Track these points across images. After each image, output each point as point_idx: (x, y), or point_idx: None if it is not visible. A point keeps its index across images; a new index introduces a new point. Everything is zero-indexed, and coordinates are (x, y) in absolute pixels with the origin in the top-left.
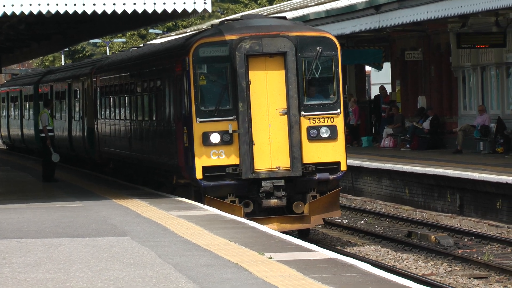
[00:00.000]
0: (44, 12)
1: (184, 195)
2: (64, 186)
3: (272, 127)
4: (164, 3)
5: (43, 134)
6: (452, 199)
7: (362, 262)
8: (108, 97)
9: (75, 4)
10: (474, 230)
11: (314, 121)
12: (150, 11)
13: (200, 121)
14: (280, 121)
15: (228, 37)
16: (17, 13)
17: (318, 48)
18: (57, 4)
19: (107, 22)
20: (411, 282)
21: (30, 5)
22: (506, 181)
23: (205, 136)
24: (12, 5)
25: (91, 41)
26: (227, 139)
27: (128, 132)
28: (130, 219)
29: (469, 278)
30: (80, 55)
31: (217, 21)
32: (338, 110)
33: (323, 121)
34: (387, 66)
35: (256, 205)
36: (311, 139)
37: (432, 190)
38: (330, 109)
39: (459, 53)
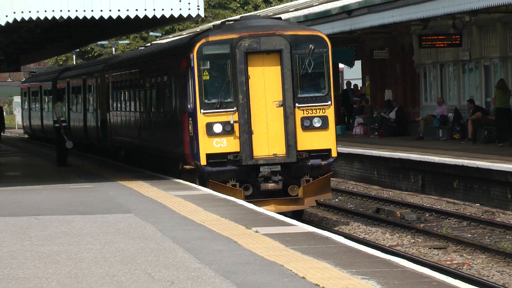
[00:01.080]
0: (57, 17)
1: (189, 180)
2: (76, 170)
3: (269, 118)
4: (162, 9)
5: (57, 124)
6: (415, 180)
7: (336, 235)
8: (119, 92)
9: (84, 11)
10: (434, 206)
11: (307, 112)
12: (150, 16)
13: (204, 113)
14: (277, 112)
15: (229, 36)
16: (34, 18)
17: (310, 45)
18: (68, 11)
19: (112, 26)
20: (379, 252)
21: (45, 11)
22: (462, 163)
23: (209, 126)
24: (29, 11)
25: (99, 42)
26: (228, 129)
27: (137, 123)
28: (134, 198)
29: (430, 248)
30: (90, 55)
31: (218, 22)
32: (329, 102)
33: (315, 112)
34: (358, 63)
35: (255, 189)
36: (304, 128)
37: (398, 172)
38: (322, 101)
39: (421, 52)
